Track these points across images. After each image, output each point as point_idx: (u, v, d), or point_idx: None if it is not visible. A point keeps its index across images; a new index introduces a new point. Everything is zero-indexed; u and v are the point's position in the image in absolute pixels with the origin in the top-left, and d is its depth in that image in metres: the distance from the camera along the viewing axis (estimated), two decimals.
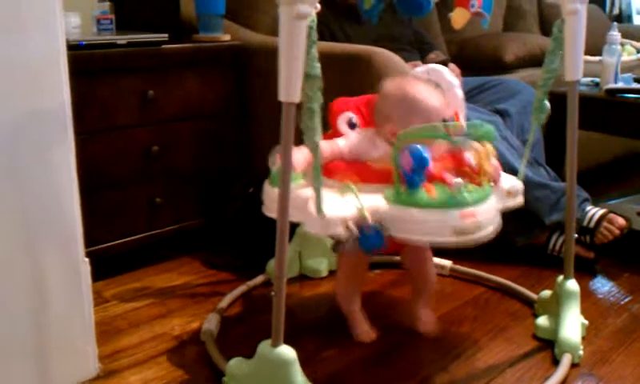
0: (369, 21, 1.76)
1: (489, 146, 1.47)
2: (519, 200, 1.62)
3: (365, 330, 1.68)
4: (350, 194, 1.40)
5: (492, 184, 1.48)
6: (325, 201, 1.35)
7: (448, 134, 1.41)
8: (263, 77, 2.23)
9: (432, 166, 1.40)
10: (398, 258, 2.09)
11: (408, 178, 1.37)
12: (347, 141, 1.55)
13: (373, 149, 1.54)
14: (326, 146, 1.47)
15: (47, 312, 1.42)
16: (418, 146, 1.35)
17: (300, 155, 1.40)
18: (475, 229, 1.37)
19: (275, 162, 1.46)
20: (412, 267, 1.72)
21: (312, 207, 1.36)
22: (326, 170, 1.47)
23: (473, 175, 1.45)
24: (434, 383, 1.53)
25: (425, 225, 1.36)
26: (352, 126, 1.63)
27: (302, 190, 1.44)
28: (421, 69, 1.74)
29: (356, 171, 1.48)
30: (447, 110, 1.68)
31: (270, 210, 1.48)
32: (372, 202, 1.38)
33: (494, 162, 1.50)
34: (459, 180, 1.41)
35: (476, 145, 1.47)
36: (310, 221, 1.37)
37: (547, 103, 1.61)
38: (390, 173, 1.40)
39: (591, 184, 2.24)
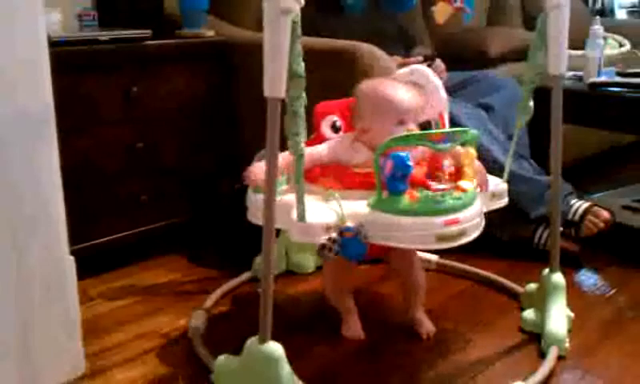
0: (351, 15, 1.76)
1: (471, 151, 1.46)
2: (504, 201, 1.63)
3: (355, 330, 1.68)
4: (332, 200, 1.40)
5: (478, 189, 1.48)
6: (307, 207, 1.35)
7: (431, 140, 1.40)
8: (248, 72, 2.22)
9: (415, 172, 1.40)
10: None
11: (390, 185, 1.36)
12: (327, 146, 1.55)
13: (354, 154, 1.53)
14: (306, 152, 1.46)
15: (32, 310, 1.41)
16: (401, 153, 1.35)
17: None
18: (459, 235, 1.37)
19: (250, 177, 1.47)
20: (400, 271, 1.70)
21: (294, 214, 1.36)
22: (309, 176, 1.46)
23: (454, 179, 1.45)
24: (421, 377, 1.54)
25: (407, 232, 1.35)
26: (336, 129, 1.63)
27: (285, 196, 1.43)
28: (404, 70, 1.74)
29: (338, 177, 1.47)
30: (426, 110, 1.68)
31: (255, 216, 1.47)
32: (354, 208, 1.38)
33: (478, 165, 1.49)
34: (443, 186, 1.41)
35: (459, 149, 1.47)
36: (293, 227, 1.37)
37: (531, 104, 1.61)
38: (373, 178, 1.40)
39: (575, 177, 2.25)
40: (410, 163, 1.35)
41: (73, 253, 1.48)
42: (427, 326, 1.69)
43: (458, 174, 1.46)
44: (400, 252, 1.63)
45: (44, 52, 1.35)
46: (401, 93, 1.53)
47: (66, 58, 1.81)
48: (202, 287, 1.96)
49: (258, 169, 1.45)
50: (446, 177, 1.45)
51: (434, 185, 1.41)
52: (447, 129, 1.67)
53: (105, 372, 1.54)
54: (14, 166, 1.33)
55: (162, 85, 2.08)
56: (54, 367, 1.47)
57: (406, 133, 1.48)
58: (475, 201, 1.43)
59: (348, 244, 1.33)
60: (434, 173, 1.45)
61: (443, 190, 1.39)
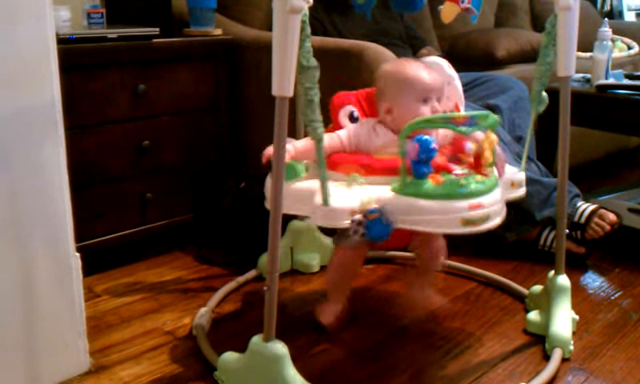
0: (360, 15, 1.76)
1: (492, 136, 1.45)
2: (522, 191, 1.61)
3: (329, 316, 1.66)
4: (355, 185, 1.40)
5: (496, 175, 1.48)
6: (330, 192, 1.35)
7: (454, 123, 1.40)
8: (255, 71, 2.22)
9: (438, 156, 1.40)
10: (389, 253, 2.10)
11: (415, 168, 1.36)
12: (347, 131, 1.55)
13: (374, 137, 1.53)
14: (326, 138, 1.46)
15: (38, 307, 1.41)
16: (425, 136, 1.34)
17: (289, 146, 1.39)
18: (483, 220, 1.37)
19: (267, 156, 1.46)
20: (424, 259, 1.69)
21: (318, 199, 1.35)
22: (330, 162, 1.46)
23: (474, 165, 1.45)
24: (426, 378, 1.53)
25: (432, 215, 1.34)
26: (353, 119, 1.63)
27: (306, 183, 1.44)
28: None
29: (360, 162, 1.47)
30: (442, 101, 1.68)
31: None
32: (378, 192, 1.37)
33: (499, 150, 1.49)
34: (466, 170, 1.40)
35: (479, 134, 1.47)
36: (317, 212, 1.36)
37: (545, 94, 1.60)
38: (395, 163, 1.39)
39: (582, 179, 2.25)
40: (435, 147, 1.34)
41: (78, 250, 1.48)
42: (437, 300, 1.69)
43: (477, 159, 1.45)
44: (427, 241, 1.63)
45: (52, 49, 1.35)
46: (423, 71, 1.54)
47: (73, 56, 1.82)
48: (207, 285, 1.96)
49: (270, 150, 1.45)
50: (471, 159, 1.45)
51: (456, 169, 1.40)
52: (469, 112, 1.66)
53: (109, 369, 1.54)
54: (20, 163, 1.34)
55: (169, 83, 2.09)
56: (58, 363, 1.47)
57: (430, 114, 1.48)
58: (497, 187, 1.43)
59: (373, 225, 1.33)
60: (456, 155, 1.45)
61: (465, 174, 1.39)
